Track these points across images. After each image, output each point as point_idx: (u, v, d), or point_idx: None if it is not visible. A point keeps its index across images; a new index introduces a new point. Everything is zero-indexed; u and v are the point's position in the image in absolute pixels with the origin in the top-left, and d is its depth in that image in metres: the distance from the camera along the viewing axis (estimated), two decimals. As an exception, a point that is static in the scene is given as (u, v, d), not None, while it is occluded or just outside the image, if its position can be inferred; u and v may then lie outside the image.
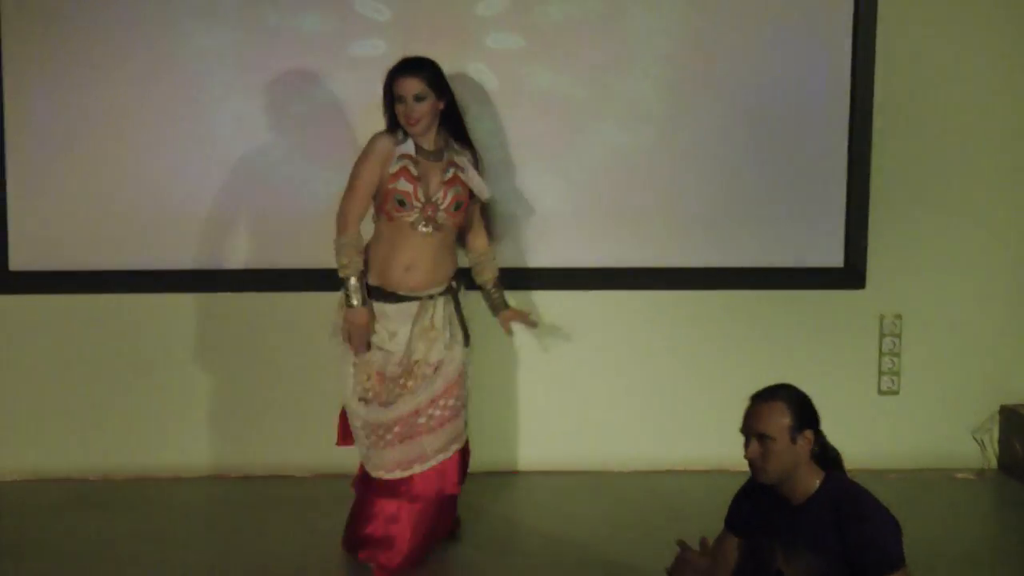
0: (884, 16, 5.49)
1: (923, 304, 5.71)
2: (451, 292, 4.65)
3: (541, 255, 5.54)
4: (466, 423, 4.69)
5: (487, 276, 4.84)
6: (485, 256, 4.83)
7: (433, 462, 4.55)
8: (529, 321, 4.92)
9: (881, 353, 5.70)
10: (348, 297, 4.50)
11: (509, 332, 4.91)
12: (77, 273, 5.38)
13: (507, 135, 5.43)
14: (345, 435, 4.72)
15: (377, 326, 4.54)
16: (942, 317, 5.73)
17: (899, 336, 5.69)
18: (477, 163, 4.69)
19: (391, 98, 4.54)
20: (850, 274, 5.62)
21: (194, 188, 5.36)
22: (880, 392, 5.72)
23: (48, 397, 5.48)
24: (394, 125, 4.57)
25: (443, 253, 4.60)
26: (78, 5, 5.26)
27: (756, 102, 5.50)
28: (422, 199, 4.50)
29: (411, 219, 4.51)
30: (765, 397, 3.46)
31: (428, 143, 4.58)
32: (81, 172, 5.33)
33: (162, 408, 5.52)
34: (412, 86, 4.50)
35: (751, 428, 3.45)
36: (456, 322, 4.65)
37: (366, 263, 4.55)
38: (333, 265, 4.54)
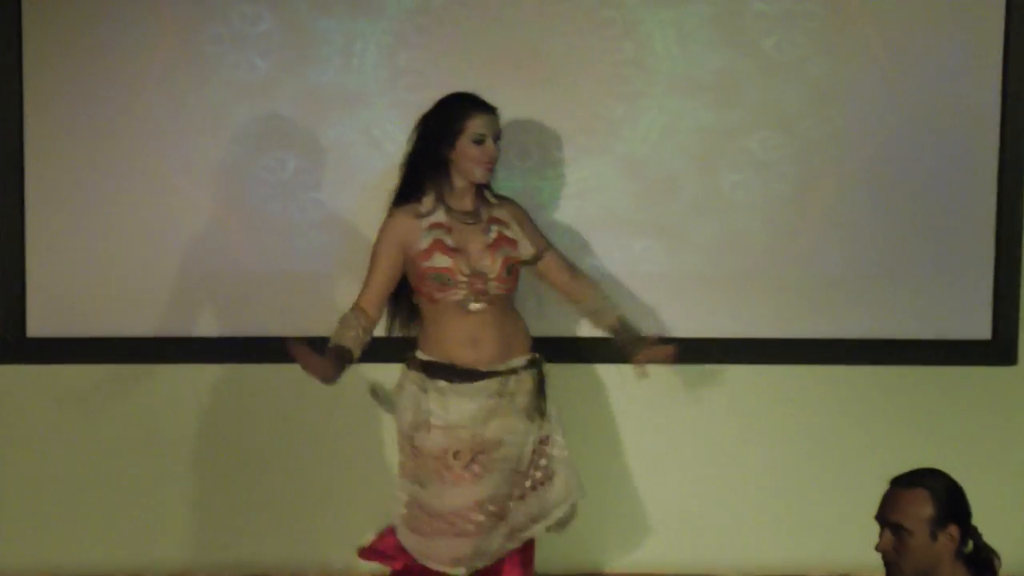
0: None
1: (1085, 383, 5.38)
2: (536, 364, 4.16)
3: (653, 324, 5.14)
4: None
5: (610, 320, 4.29)
6: (597, 299, 4.31)
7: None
8: (668, 354, 4.25)
9: (1037, 440, 5.40)
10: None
11: (644, 374, 4.28)
12: (100, 340, 5.14)
13: (617, 191, 5.14)
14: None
15: (434, 405, 4.05)
16: (1107, 398, 5.39)
17: (1057, 420, 5.38)
18: (526, 215, 4.24)
19: (450, 137, 4.03)
20: (999, 348, 5.30)
21: (226, 252, 5.13)
22: (1036, 485, 5.40)
23: (70, 481, 5.20)
24: (417, 184, 4.09)
25: (509, 322, 4.12)
26: (103, 69, 5.07)
27: (892, 156, 5.24)
28: (467, 272, 4.01)
29: (458, 298, 4.03)
30: (907, 482, 3.26)
31: (467, 202, 4.10)
32: (104, 235, 5.14)
33: (201, 496, 5.21)
34: (494, 123, 4.07)
35: (886, 517, 3.24)
36: (537, 399, 4.15)
37: (424, 342, 4.12)
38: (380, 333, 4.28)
